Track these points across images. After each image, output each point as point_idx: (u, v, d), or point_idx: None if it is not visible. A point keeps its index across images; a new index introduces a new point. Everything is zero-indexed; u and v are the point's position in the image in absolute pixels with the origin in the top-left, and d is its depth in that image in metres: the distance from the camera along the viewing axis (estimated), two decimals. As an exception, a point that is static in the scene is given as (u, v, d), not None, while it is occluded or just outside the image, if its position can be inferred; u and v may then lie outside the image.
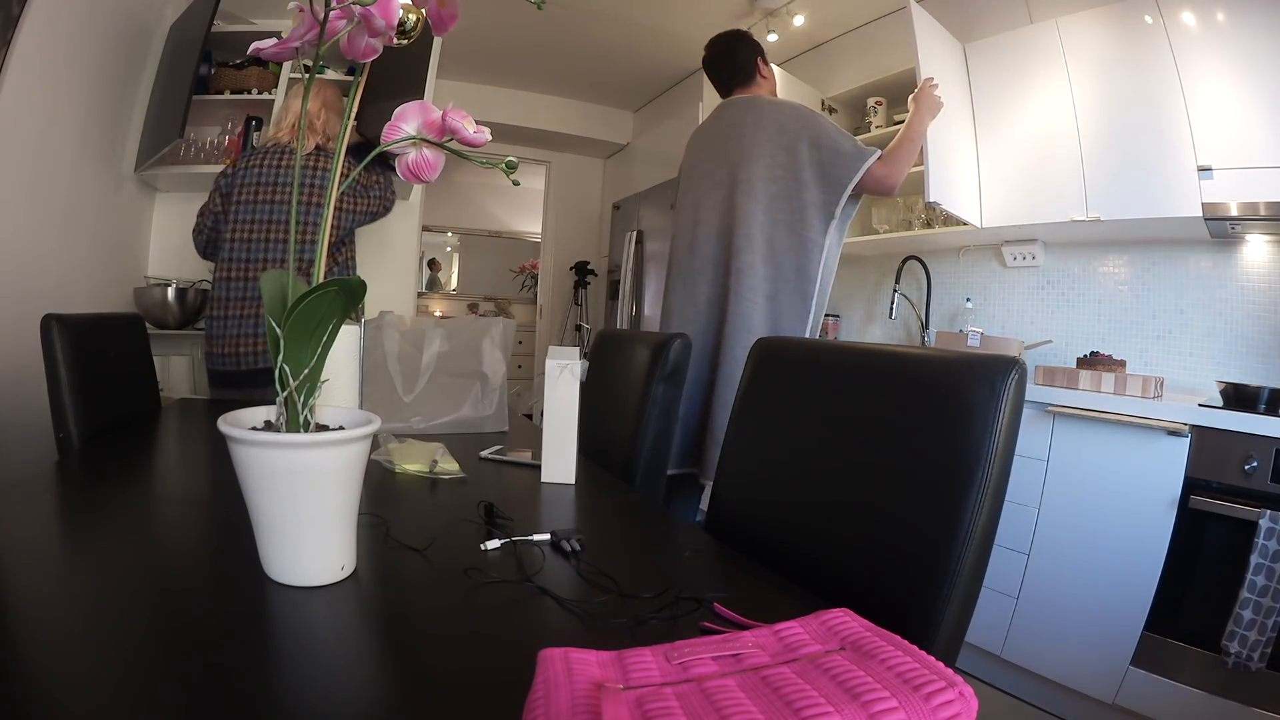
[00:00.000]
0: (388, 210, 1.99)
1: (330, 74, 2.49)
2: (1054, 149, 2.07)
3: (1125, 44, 1.91)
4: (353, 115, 0.66)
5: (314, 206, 1.70)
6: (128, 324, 1.51)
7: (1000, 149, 2.25)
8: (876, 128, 2.71)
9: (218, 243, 1.80)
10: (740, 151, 1.79)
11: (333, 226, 1.75)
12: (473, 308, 6.33)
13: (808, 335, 1.73)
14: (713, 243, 1.82)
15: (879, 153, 1.70)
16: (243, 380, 1.74)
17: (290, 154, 1.77)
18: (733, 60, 1.96)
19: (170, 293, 2.39)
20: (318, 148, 1.79)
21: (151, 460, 1.18)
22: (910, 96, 1.92)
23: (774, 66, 2.07)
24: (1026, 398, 0.73)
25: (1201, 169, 1.72)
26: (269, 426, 0.64)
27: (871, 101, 2.75)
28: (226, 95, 2.55)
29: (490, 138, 0.63)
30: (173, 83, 2.34)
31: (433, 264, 6.44)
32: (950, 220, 2.38)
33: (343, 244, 1.92)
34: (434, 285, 6.45)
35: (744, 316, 1.71)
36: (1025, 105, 2.18)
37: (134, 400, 1.44)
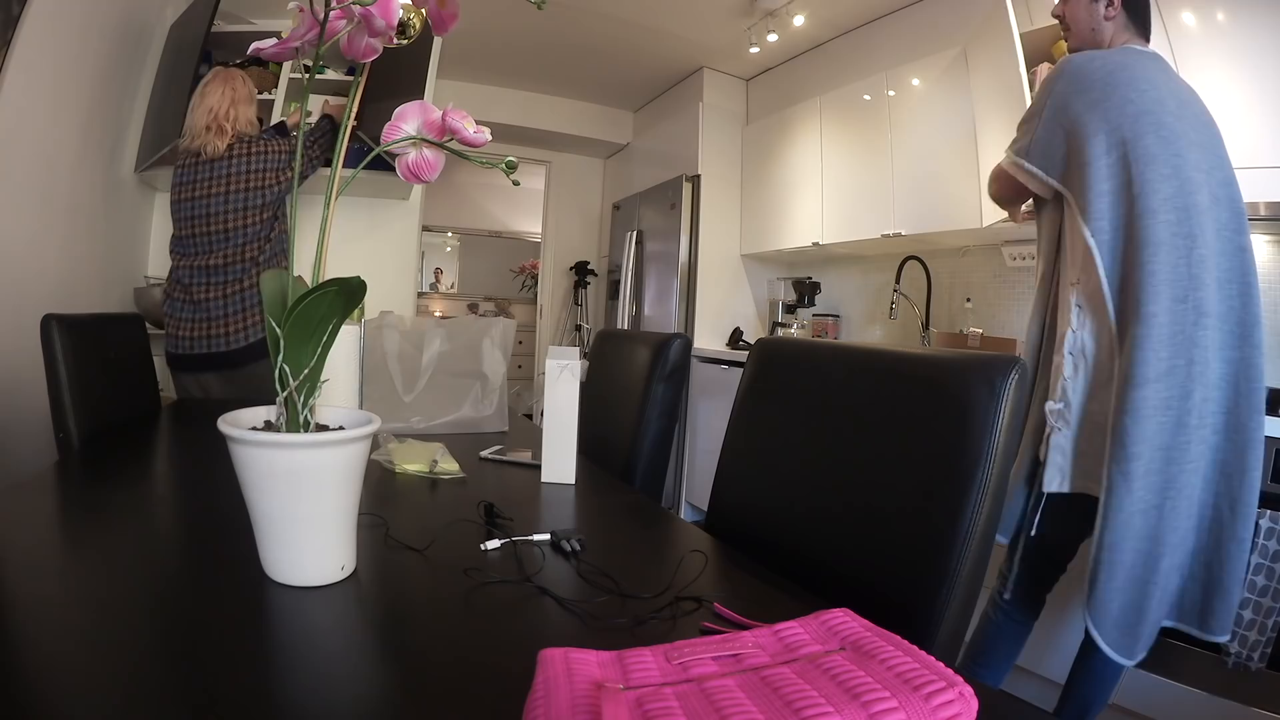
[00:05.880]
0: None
1: (330, 74, 2.50)
2: (1054, 149, 2.05)
3: (1125, 44, 1.90)
4: (353, 115, 0.66)
5: (233, 194, 1.85)
6: (128, 324, 1.51)
7: (1001, 148, 2.24)
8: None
9: None
10: (1217, 140, 1.28)
11: (266, 204, 1.89)
12: (473, 308, 6.33)
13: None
14: (1233, 279, 1.21)
15: None
16: (178, 363, 1.86)
17: (195, 156, 1.88)
18: None
19: (170, 293, 2.39)
20: (230, 146, 1.88)
21: (151, 460, 1.18)
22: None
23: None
24: (1027, 398, 0.72)
25: (1202, 169, 1.72)
26: (269, 426, 0.64)
27: (871, 101, 2.74)
28: (226, 95, 2.55)
29: (490, 138, 0.63)
30: (173, 83, 2.34)
31: (437, 273, 6.46)
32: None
33: (275, 221, 1.96)
34: (433, 288, 6.47)
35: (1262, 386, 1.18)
36: (1026, 105, 2.17)
37: (134, 400, 1.44)
